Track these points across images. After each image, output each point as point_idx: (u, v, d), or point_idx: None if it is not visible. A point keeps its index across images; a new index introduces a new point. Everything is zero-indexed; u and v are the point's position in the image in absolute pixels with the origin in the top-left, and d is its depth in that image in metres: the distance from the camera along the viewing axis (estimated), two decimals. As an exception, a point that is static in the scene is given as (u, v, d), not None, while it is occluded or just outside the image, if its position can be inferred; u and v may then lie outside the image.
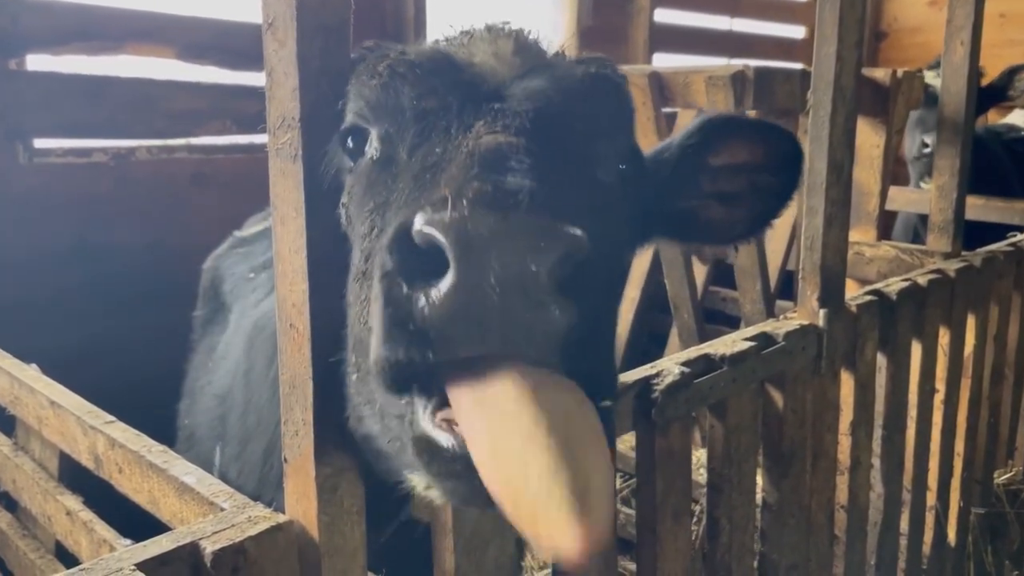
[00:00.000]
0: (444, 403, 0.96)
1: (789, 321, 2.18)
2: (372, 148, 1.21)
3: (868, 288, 2.53)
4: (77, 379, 1.93)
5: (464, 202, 0.85)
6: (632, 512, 2.43)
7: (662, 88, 3.76)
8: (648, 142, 2.88)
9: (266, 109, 1.20)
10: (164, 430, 2.32)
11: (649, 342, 4.53)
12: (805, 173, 2.20)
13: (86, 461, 1.70)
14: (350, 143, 1.23)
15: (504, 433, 0.88)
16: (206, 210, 3.68)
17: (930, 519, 2.93)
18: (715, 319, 4.57)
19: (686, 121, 4.00)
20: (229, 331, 2.44)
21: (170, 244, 3.59)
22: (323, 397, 1.21)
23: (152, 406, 2.37)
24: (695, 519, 2.50)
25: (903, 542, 2.78)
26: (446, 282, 0.84)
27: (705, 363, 1.87)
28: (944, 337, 2.85)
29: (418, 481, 1.09)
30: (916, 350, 2.68)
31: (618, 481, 3.51)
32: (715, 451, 1.96)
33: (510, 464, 0.87)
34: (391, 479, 1.17)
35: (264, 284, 2.38)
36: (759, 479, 2.11)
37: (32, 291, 3.23)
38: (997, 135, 5.64)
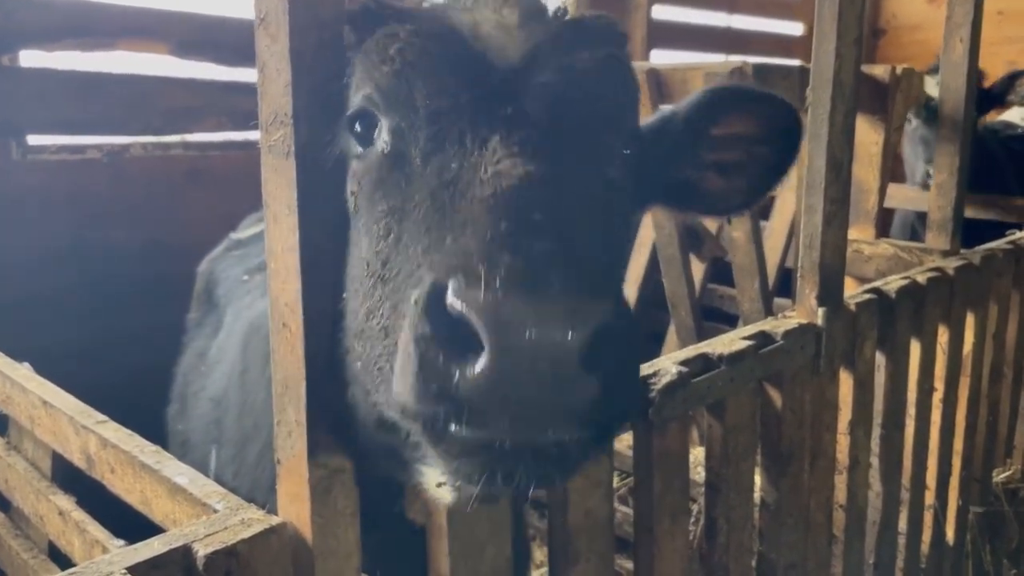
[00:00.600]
0: None
1: (788, 320, 2.16)
2: (383, 140, 1.20)
3: (867, 286, 2.52)
4: (71, 378, 1.92)
5: (497, 282, 0.88)
6: (629, 511, 2.42)
7: (660, 85, 3.75)
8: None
9: (258, 105, 1.19)
10: (158, 430, 2.30)
11: (647, 340, 4.52)
12: (804, 171, 2.19)
13: (78, 461, 1.69)
14: (358, 127, 1.22)
15: None
16: (201, 208, 3.66)
17: (928, 518, 2.93)
18: (713, 317, 4.56)
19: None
20: (223, 334, 2.41)
21: (165, 242, 3.57)
22: (317, 398, 1.20)
23: (146, 405, 2.35)
24: (693, 519, 2.49)
25: (902, 541, 2.77)
26: (481, 364, 0.88)
27: (703, 362, 1.86)
28: (943, 335, 2.84)
29: (430, 475, 1.12)
30: (915, 349, 2.67)
31: (615, 479, 3.50)
32: (713, 451, 1.95)
33: None
34: (392, 472, 1.18)
35: (259, 286, 2.36)
36: (757, 478, 2.10)
37: (25, 289, 3.21)
38: (994, 132, 5.63)
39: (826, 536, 2.33)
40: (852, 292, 2.42)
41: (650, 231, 4.17)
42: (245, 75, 3.80)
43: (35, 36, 3.25)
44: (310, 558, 1.23)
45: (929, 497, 2.90)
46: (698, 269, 4.18)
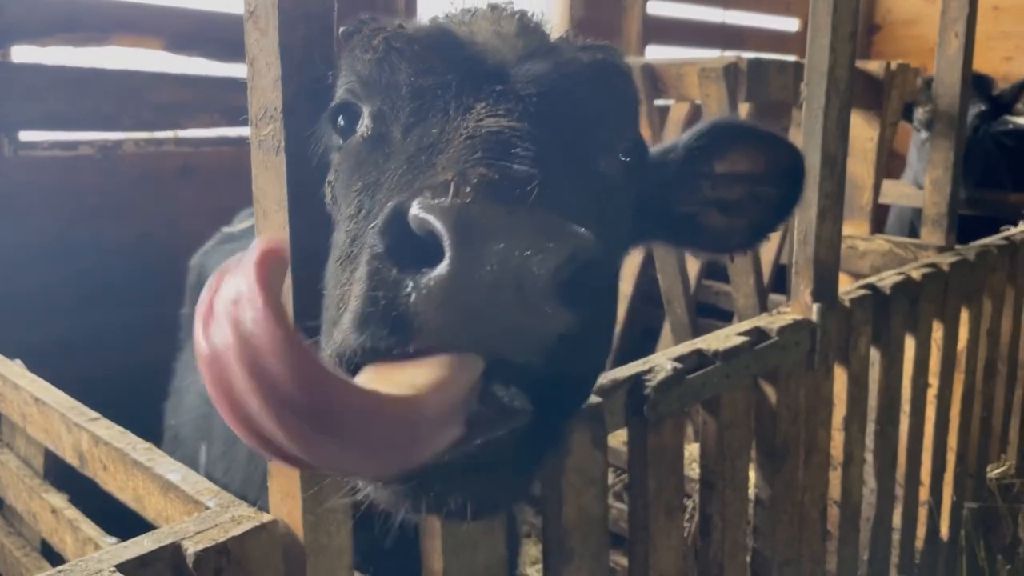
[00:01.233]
0: None
1: (782, 316, 2.16)
2: (363, 126, 1.17)
3: (861, 282, 2.52)
4: (63, 374, 1.91)
5: (468, 188, 0.79)
6: (625, 507, 2.41)
7: (655, 80, 3.75)
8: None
9: (247, 100, 1.18)
10: (151, 426, 2.29)
11: (642, 336, 4.52)
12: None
13: (70, 458, 1.68)
14: (341, 121, 1.19)
15: None
16: (194, 203, 3.64)
17: (923, 514, 2.93)
18: (708, 313, 4.56)
19: (679, 114, 3.98)
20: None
21: (158, 238, 3.55)
22: (308, 394, 1.18)
23: (138, 402, 2.34)
24: (688, 515, 2.49)
25: (896, 537, 2.78)
26: (439, 270, 0.77)
27: (698, 358, 1.85)
28: (937, 331, 2.84)
29: None
30: (909, 344, 2.67)
31: (610, 476, 3.50)
32: (708, 447, 1.94)
33: None
34: None
35: (252, 279, 2.35)
36: (752, 475, 2.09)
37: (17, 285, 3.20)
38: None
39: (820, 532, 2.33)
40: (847, 288, 2.42)
41: (645, 227, 4.16)
42: (239, 71, 3.77)
43: (27, 31, 3.23)
44: (302, 556, 1.22)
45: (923, 493, 2.91)
46: (693, 265, 4.18)
